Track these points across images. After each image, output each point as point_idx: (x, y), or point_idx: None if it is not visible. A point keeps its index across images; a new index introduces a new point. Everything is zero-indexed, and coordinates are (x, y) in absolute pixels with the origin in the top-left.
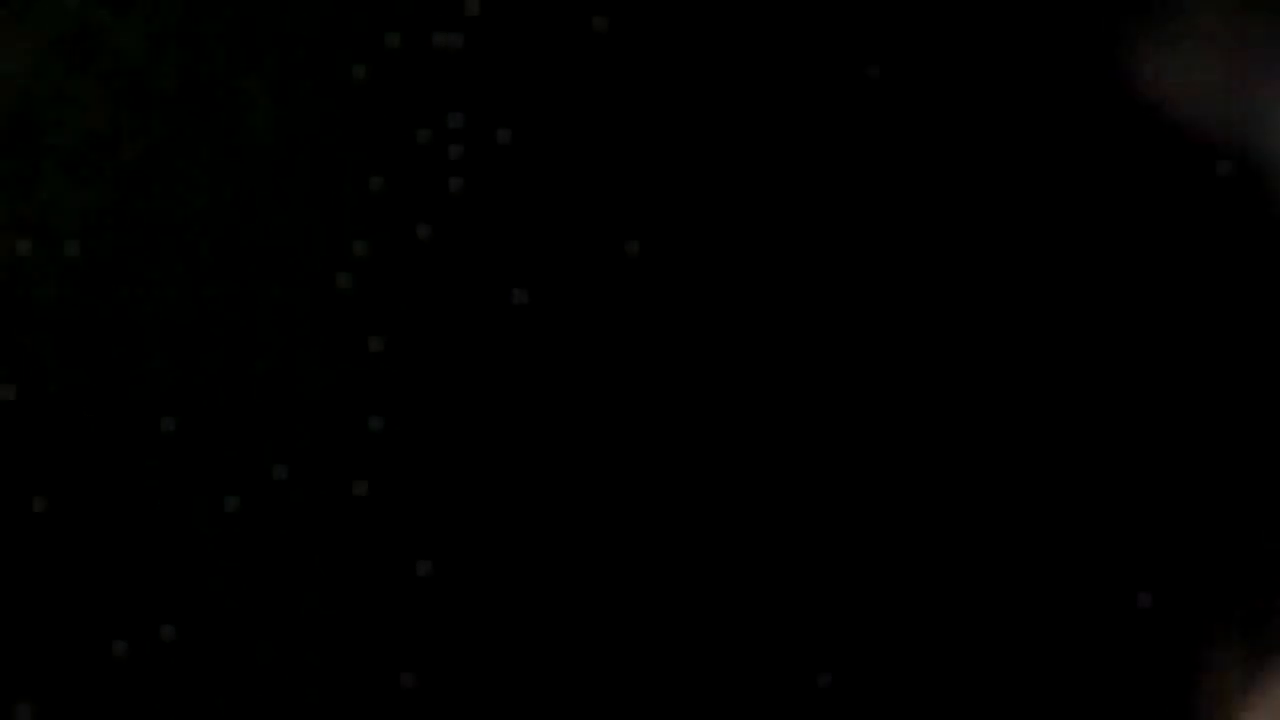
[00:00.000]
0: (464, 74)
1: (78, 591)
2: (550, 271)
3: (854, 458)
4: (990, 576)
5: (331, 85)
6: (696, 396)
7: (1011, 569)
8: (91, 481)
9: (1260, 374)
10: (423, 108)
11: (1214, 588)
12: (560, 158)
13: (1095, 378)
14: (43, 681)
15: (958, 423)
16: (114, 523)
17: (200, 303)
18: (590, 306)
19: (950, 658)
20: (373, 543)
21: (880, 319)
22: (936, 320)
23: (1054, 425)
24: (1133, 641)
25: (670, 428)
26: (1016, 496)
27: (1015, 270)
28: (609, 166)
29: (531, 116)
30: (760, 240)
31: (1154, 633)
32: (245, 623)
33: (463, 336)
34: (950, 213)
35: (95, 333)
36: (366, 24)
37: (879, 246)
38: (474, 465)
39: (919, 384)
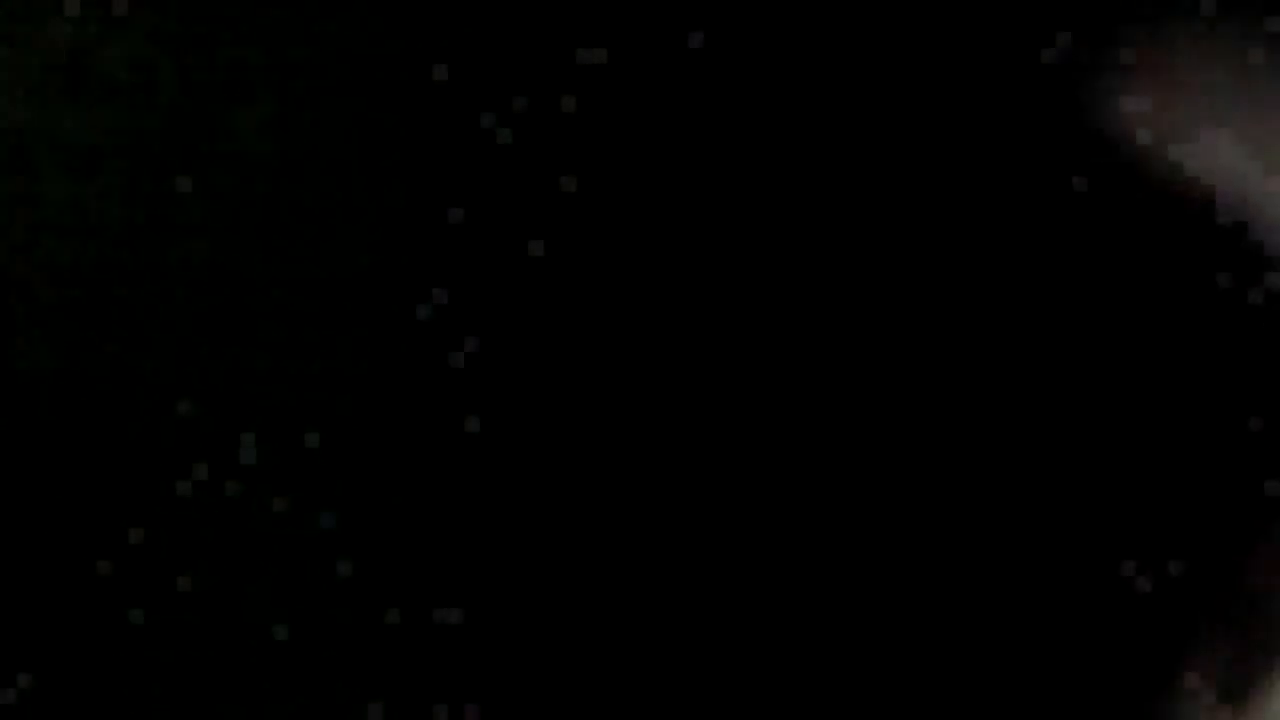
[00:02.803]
0: (463, 75)
1: (76, 592)
2: (550, 271)
3: (852, 460)
4: (983, 577)
5: (325, 107)
6: (695, 398)
7: (1005, 571)
8: (91, 480)
9: (1256, 377)
10: (422, 113)
11: (1207, 589)
12: (563, 159)
13: (1093, 383)
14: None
15: (953, 424)
16: (112, 521)
17: (200, 306)
18: (589, 307)
19: (944, 658)
20: (371, 544)
21: (878, 326)
22: (934, 325)
23: (1050, 427)
24: (1127, 642)
25: (669, 428)
26: (1010, 498)
27: (1013, 288)
28: (610, 167)
29: (530, 117)
30: (757, 244)
31: (1148, 633)
32: (243, 621)
33: (462, 338)
34: (944, 243)
35: (95, 334)
36: (359, 36)
37: (873, 262)
38: (473, 466)
39: (917, 386)
